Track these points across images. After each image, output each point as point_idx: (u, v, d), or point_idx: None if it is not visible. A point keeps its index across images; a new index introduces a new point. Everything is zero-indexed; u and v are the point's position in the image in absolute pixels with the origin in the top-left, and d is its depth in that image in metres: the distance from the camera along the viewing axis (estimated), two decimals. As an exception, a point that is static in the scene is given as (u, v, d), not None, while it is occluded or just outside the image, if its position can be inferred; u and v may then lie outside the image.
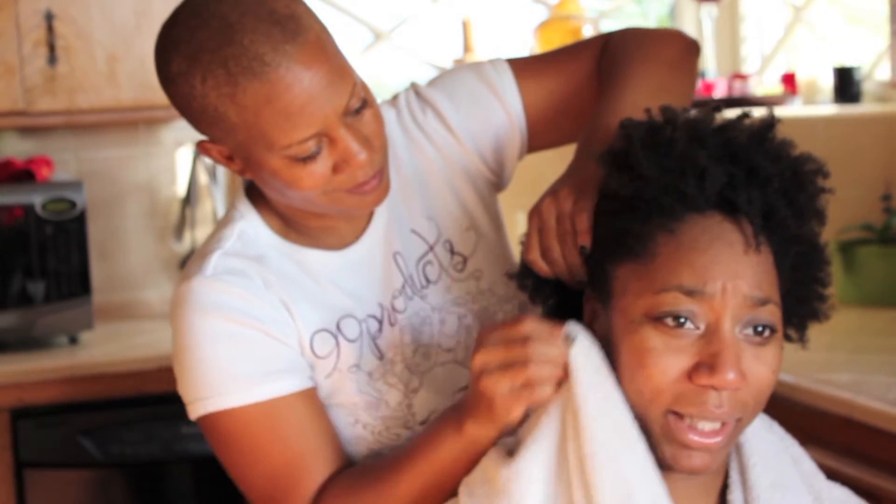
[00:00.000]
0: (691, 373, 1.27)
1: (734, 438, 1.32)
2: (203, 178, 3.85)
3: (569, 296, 1.41)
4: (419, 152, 1.66)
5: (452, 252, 1.65)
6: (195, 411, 1.52)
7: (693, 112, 1.36)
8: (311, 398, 1.53)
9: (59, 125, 3.68)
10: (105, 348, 3.42)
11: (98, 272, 3.75)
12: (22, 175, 3.51)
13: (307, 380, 1.54)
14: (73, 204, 3.44)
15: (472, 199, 1.68)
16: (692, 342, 1.27)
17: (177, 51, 1.43)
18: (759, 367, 1.28)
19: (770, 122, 1.34)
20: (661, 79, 1.58)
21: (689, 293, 1.27)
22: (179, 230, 3.83)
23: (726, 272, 1.27)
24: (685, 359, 1.27)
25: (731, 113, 1.39)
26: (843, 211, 3.53)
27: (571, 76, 1.68)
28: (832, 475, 2.51)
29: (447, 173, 1.66)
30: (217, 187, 3.83)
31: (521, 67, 1.68)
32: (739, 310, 1.27)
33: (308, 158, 1.44)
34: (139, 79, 3.51)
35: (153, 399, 3.27)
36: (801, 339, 1.40)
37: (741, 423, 1.31)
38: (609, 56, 1.66)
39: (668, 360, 1.27)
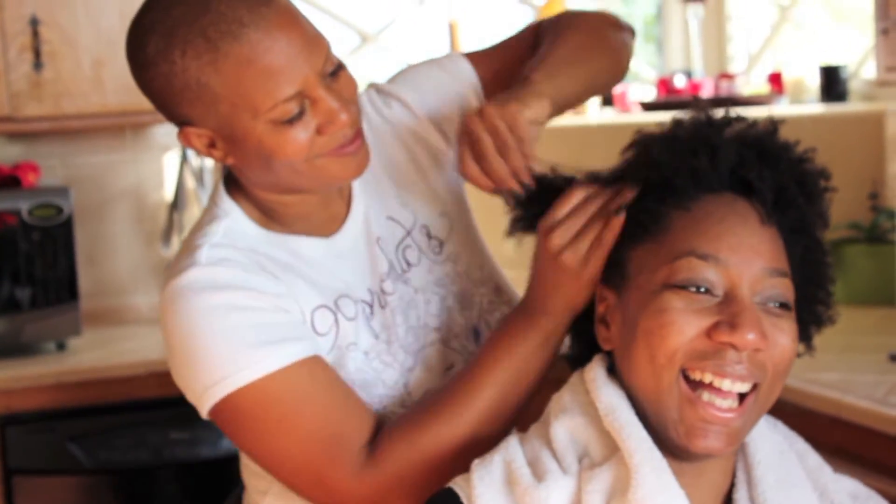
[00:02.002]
0: (710, 331, 1.27)
1: (750, 421, 1.31)
2: (190, 182, 3.84)
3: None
4: (387, 144, 1.69)
5: (430, 236, 1.68)
6: (213, 397, 1.48)
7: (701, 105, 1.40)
8: (325, 362, 1.53)
9: (45, 130, 3.67)
10: (93, 354, 3.41)
11: (86, 278, 3.75)
12: (8, 181, 3.50)
13: (318, 347, 1.53)
14: (60, 209, 3.43)
15: (441, 184, 1.71)
16: (712, 306, 1.28)
17: (153, 32, 1.46)
18: (779, 334, 1.29)
19: (773, 126, 1.38)
20: (581, 40, 1.70)
21: (704, 258, 1.28)
22: (167, 235, 3.82)
23: (741, 243, 1.29)
24: (704, 318, 1.28)
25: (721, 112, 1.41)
26: (830, 210, 3.52)
27: (516, 51, 1.77)
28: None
29: (415, 161, 1.70)
30: (204, 192, 3.82)
31: (473, 54, 1.79)
32: (756, 279, 1.29)
33: (292, 120, 1.46)
34: (125, 83, 3.47)
35: (142, 405, 3.26)
36: (809, 348, 1.40)
37: (759, 397, 1.30)
38: (542, 29, 1.77)
39: (688, 319, 1.28)
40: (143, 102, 3.70)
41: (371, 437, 1.49)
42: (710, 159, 1.32)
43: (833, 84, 3.80)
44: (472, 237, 1.74)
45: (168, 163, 3.92)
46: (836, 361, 2.80)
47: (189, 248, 1.56)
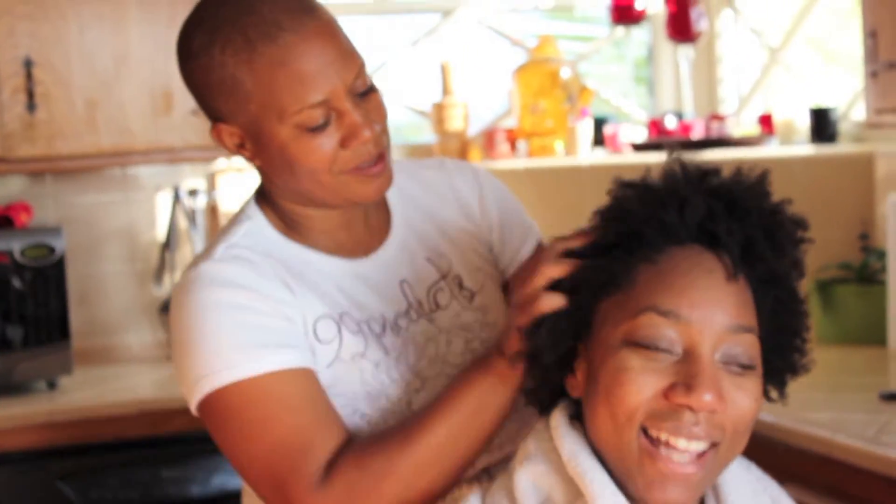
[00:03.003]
0: (668, 392, 1.26)
1: (712, 474, 1.31)
2: (182, 222, 3.85)
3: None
4: (444, 200, 1.75)
5: (461, 286, 1.70)
6: (200, 390, 1.51)
7: (675, 155, 1.39)
8: (314, 376, 1.55)
9: (38, 171, 3.68)
10: (84, 393, 3.40)
11: (77, 317, 3.74)
12: (1, 221, 3.51)
13: (311, 361, 1.55)
14: (52, 249, 3.43)
15: (483, 252, 1.74)
16: (669, 365, 1.27)
17: (200, 27, 1.54)
18: (739, 393, 1.28)
19: (762, 174, 1.36)
20: None
21: (665, 314, 1.27)
22: (159, 275, 3.82)
23: (705, 298, 1.28)
24: (662, 378, 1.27)
25: (711, 153, 1.41)
26: (821, 250, 3.52)
27: None
28: (812, 514, 2.52)
29: (464, 227, 1.74)
30: (197, 231, 3.83)
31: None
32: (718, 337, 1.27)
33: (316, 129, 1.52)
34: (118, 124, 3.51)
35: (133, 444, 3.25)
36: (781, 396, 1.40)
37: (718, 454, 1.29)
38: None
39: (645, 379, 1.27)
40: (136, 143, 3.75)
41: (334, 456, 1.50)
42: (679, 212, 1.30)
43: (823, 126, 3.82)
44: (502, 298, 1.75)
45: (160, 203, 3.93)
46: (827, 401, 2.80)
47: (208, 246, 1.62)
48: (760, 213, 1.32)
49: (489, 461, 1.65)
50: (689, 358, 1.27)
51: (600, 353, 1.31)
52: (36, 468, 3.17)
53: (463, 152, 4.11)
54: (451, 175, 1.77)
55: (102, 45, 3.51)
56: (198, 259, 1.60)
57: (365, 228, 1.67)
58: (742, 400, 1.28)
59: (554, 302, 1.38)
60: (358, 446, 1.50)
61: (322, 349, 1.57)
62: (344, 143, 1.53)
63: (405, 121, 4.40)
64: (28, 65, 3.43)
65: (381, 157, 1.57)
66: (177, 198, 3.82)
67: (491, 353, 1.48)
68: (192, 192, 3.85)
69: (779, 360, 1.36)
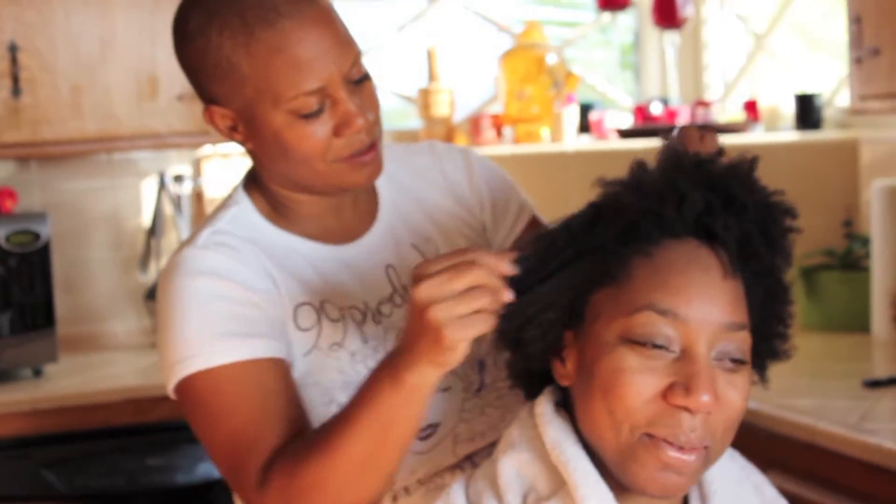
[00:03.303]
0: (666, 393, 1.26)
1: (702, 469, 1.32)
2: (168, 209, 3.85)
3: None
4: (435, 191, 1.75)
5: None
6: (177, 374, 1.53)
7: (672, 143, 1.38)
8: (286, 368, 1.56)
9: (23, 157, 3.67)
10: (70, 380, 3.40)
11: (63, 304, 3.74)
12: (-15, 207, 3.51)
13: (284, 351, 1.56)
14: (37, 236, 3.43)
15: (471, 240, 1.74)
16: (667, 364, 1.28)
17: (196, 9, 1.54)
18: (732, 392, 1.29)
19: (752, 161, 1.35)
20: None
21: (663, 313, 1.27)
22: (145, 261, 3.82)
23: (702, 296, 1.28)
24: (660, 379, 1.27)
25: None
26: (805, 237, 3.52)
27: None
28: (794, 500, 2.53)
29: (452, 210, 1.74)
30: (182, 218, 3.82)
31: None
32: (714, 334, 1.28)
33: (310, 116, 1.53)
34: (104, 109, 3.51)
35: (118, 431, 3.25)
36: (762, 380, 1.41)
37: (709, 454, 1.31)
38: None
39: (644, 379, 1.27)
40: (122, 129, 3.74)
41: (272, 457, 1.50)
42: (677, 206, 1.30)
43: (808, 112, 3.83)
44: None
45: (146, 189, 3.92)
46: (810, 387, 2.82)
47: (195, 231, 1.63)
48: (757, 207, 1.32)
49: (472, 449, 1.66)
50: (686, 357, 1.27)
51: (595, 348, 1.31)
52: (21, 456, 3.17)
53: (449, 138, 4.11)
54: (440, 159, 1.78)
55: (88, 30, 3.50)
56: (183, 244, 1.61)
57: (353, 213, 1.68)
58: (734, 397, 1.29)
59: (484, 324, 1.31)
60: (290, 452, 1.48)
61: (300, 337, 1.58)
62: (337, 131, 1.54)
63: (391, 106, 4.40)
64: (13, 50, 3.42)
65: (373, 145, 1.58)
66: (162, 184, 3.82)
67: (399, 365, 1.37)
68: (178, 178, 3.84)
69: (764, 348, 1.37)
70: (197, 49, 1.55)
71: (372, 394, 1.41)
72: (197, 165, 3.95)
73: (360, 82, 1.57)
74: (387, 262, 1.67)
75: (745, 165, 1.35)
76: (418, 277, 1.31)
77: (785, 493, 2.50)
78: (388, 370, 1.39)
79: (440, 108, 4.13)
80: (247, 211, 1.64)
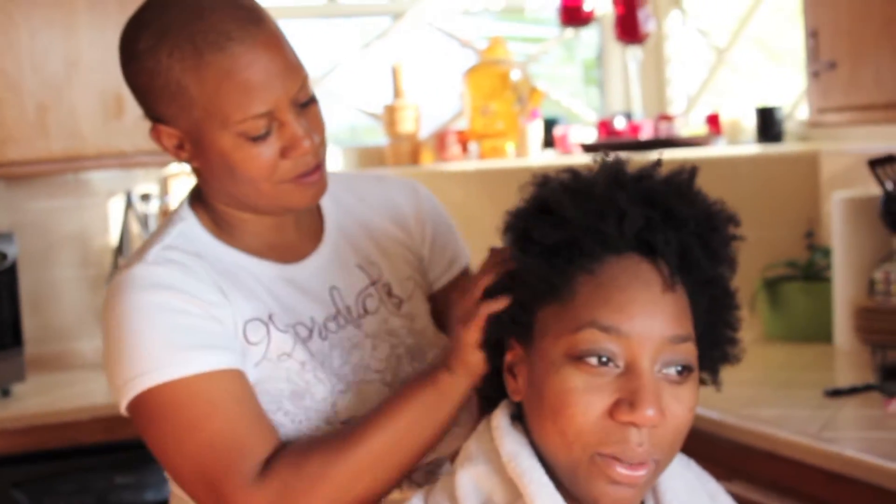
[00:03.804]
0: (612, 410, 1.29)
1: (653, 479, 1.35)
2: (135, 227, 3.85)
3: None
4: (379, 216, 1.77)
5: (390, 294, 1.73)
6: (132, 390, 1.52)
7: (612, 157, 1.40)
8: (244, 378, 1.57)
9: (-11, 177, 3.68)
10: (37, 400, 3.40)
11: (30, 323, 3.74)
12: (-48, 228, 3.51)
13: (241, 362, 1.57)
14: (4, 255, 3.43)
15: (412, 266, 1.77)
16: (612, 380, 1.29)
17: (147, 28, 1.55)
18: (677, 405, 1.31)
19: (691, 173, 1.38)
20: None
21: (606, 330, 1.29)
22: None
23: (644, 311, 1.30)
24: (606, 397, 1.29)
25: (657, 154, 1.43)
26: (767, 248, 3.59)
27: None
28: (757, 509, 2.56)
29: (397, 237, 1.77)
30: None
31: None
32: (658, 348, 1.30)
33: (258, 138, 1.54)
34: (69, 129, 3.51)
35: (87, 450, 3.25)
36: (715, 382, 1.43)
37: (659, 466, 1.33)
38: None
39: (590, 400, 1.29)
40: (88, 148, 3.72)
41: (270, 457, 1.51)
42: (618, 223, 1.32)
43: (769, 125, 3.88)
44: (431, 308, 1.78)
45: (113, 208, 3.93)
46: (772, 397, 2.85)
47: (140, 249, 1.63)
48: (696, 219, 1.34)
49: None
50: (630, 372, 1.29)
51: (542, 366, 1.33)
52: (-11, 475, 3.17)
53: (415, 154, 4.13)
54: (388, 188, 1.81)
55: (53, 50, 3.51)
56: (130, 261, 1.61)
57: (296, 232, 1.70)
58: (679, 411, 1.31)
59: (493, 305, 1.41)
60: (297, 448, 1.51)
61: (251, 350, 1.59)
62: (284, 153, 1.56)
63: (357, 123, 4.42)
64: (-22, 70, 3.43)
65: (318, 166, 1.60)
66: (129, 203, 3.82)
67: (437, 368, 1.50)
68: (145, 197, 3.85)
69: (714, 352, 1.39)
70: (146, 70, 1.55)
71: (404, 394, 1.51)
72: (164, 184, 3.96)
73: (307, 105, 1.59)
74: (331, 284, 1.69)
75: (683, 177, 1.37)
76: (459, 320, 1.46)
77: (748, 501, 2.54)
78: (426, 373, 1.51)
79: (406, 125, 4.15)
80: (193, 227, 1.65)
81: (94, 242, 3.92)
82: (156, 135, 1.60)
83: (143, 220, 3.83)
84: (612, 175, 1.36)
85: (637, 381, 1.29)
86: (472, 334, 1.44)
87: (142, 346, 1.52)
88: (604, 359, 1.29)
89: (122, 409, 1.56)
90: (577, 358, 1.30)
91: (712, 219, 1.36)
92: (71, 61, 3.52)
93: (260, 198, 1.60)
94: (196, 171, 1.64)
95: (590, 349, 1.29)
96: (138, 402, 1.53)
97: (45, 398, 3.41)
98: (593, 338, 1.30)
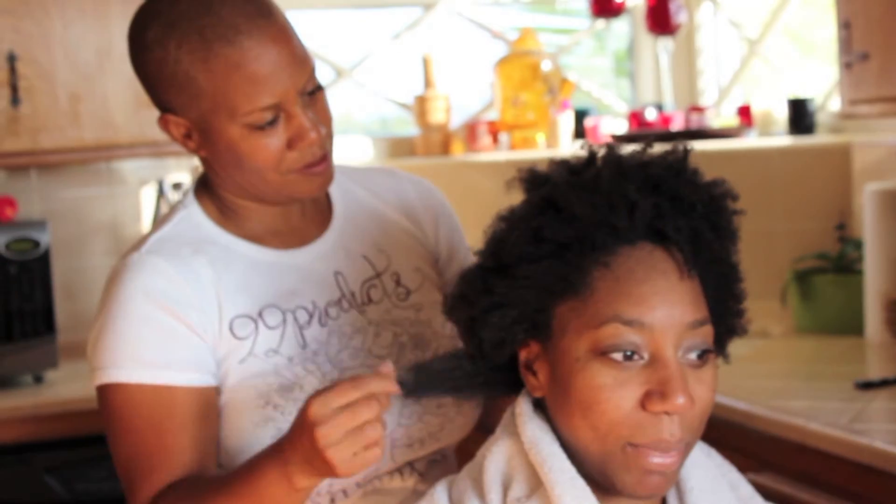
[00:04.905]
0: (644, 401, 1.30)
1: (682, 463, 1.36)
2: (167, 216, 3.87)
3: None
4: (389, 208, 1.78)
5: (398, 283, 1.74)
6: (98, 378, 1.60)
7: (611, 147, 1.40)
8: (205, 398, 1.60)
9: (22, 165, 3.70)
10: (70, 387, 3.42)
11: (63, 311, 3.76)
12: (-14, 215, 3.53)
13: (209, 378, 1.61)
14: (37, 243, 3.45)
15: (422, 258, 1.78)
16: (638, 372, 1.31)
17: (156, 20, 1.57)
18: (701, 388, 1.33)
19: (684, 154, 1.39)
20: None
21: (629, 323, 1.30)
22: (144, 268, 3.84)
23: (664, 301, 1.31)
24: (635, 389, 1.30)
25: (696, 145, 1.44)
26: (798, 240, 3.58)
27: None
28: (787, 501, 2.56)
29: (407, 230, 1.78)
30: (181, 225, 3.85)
31: None
32: (679, 335, 1.31)
33: (265, 127, 1.56)
34: (102, 118, 3.54)
35: (118, 436, 3.27)
36: (724, 356, 1.44)
37: (688, 448, 1.35)
38: None
39: (621, 394, 1.30)
40: (120, 137, 3.75)
41: (166, 488, 1.56)
42: (629, 215, 1.33)
43: (800, 117, 3.86)
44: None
45: (145, 197, 3.95)
46: (802, 389, 2.84)
47: (143, 236, 1.67)
48: (703, 203, 1.36)
49: (412, 456, 1.68)
50: (655, 362, 1.31)
51: (567, 364, 1.33)
52: (22, 461, 3.20)
53: (445, 145, 4.14)
54: (400, 182, 1.82)
55: (85, 39, 3.53)
56: (131, 248, 1.65)
57: (301, 218, 1.71)
58: (704, 393, 1.33)
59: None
60: (177, 490, 1.55)
61: (236, 345, 1.62)
62: (291, 144, 1.58)
63: (387, 114, 4.43)
64: (12, 59, 3.45)
65: (325, 157, 1.62)
66: (161, 191, 3.84)
67: (293, 470, 1.43)
68: (176, 186, 3.87)
69: (722, 326, 1.41)
70: (155, 60, 1.57)
71: (258, 481, 1.47)
72: (195, 173, 3.98)
73: (314, 95, 1.60)
74: (335, 269, 1.70)
75: (679, 157, 1.38)
76: (315, 419, 1.37)
77: (777, 493, 2.54)
78: (278, 466, 1.45)
79: (437, 115, 4.16)
80: (195, 214, 1.67)
81: (126, 231, 3.94)
82: (164, 124, 1.62)
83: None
84: (615, 165, 1.37)
85: (664, 370, 1.30)
86: (356, 467, 1.39)
87: (115, 343, 1.58)
88: (629, 352, 1.30)
89: (94, 388, 1.63)
90: (602, 353, 1.31)
91: (717, 199, 1.38)
92: (103, 51, 3.54)
93: (267, 187, 1.62)
94: (203, 160, 1.66)
95: (615, 344, 1.30)
96: (102, 389, 1.60)
97: (77, 385, 3.43)
98: (617, 332, 1.30)
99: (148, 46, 1.57)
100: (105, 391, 1.59)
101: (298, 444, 1.41)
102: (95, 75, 3.54)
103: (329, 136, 1.63)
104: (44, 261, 3.46)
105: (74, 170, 3.88)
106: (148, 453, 1.56)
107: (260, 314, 1.63)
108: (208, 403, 1.60)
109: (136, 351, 1.57)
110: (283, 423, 1.59)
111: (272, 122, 1.56)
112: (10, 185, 3.81)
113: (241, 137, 1.57)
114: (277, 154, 1.58)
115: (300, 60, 1.58)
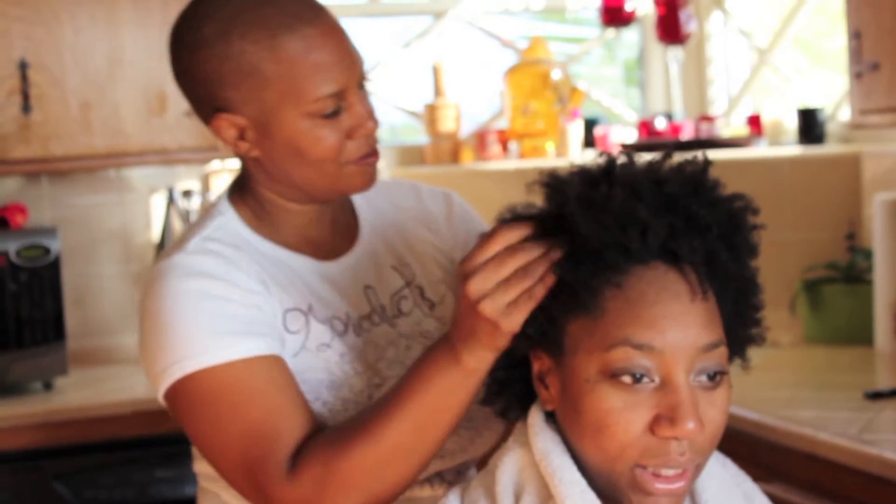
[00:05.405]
0: (653, 426, 1.29)
1: (693, 482, 1.35)
2: (177, 223, 3.88)
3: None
4: (411, 220, 1.79)
5: (423, 296, 1.74)
6: (170, 377, 1.52)
7: (626, 158, 1.37)
8: (284, 364, 1.56)
9: (33, 172, 3.71)
10: (79, 394, 3.43)
11: (72, 318, 3.77)
12: (-4, 222, 3.54)
13: (280, 349, 1.57)
14: (47, 250, 3.46)
15: (444, 269, 1.78)
16: (649, 395, 1.29)
17: (210, 17, 1.58)
18: (713, 410, 1.31)
19: (703, 167, 1.36)
20: None
21: (639, 347, 1.28)
22: (153, 275, 3.84)
23: (675, 324, 1.29)
24: (645, 413, 1.29)
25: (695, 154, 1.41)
26: (808, 250, 3.58)
27: None
28: (796, 511, 2.55)
29: (431, 243, 1.78)
30: (191, 232, 3.85)
31: None
32: (692, 359, 1.29)
33: (328, 116, 1.58)
34: (112, 125, 3.54)
35: (128, 444, 3.28)
36: (744, 361, 1.43)
37: (699, 468, 1.34)
38: None
39: (630, 418, 1.29)
40: (130, 144, 3.76)
41: (304, 444, 1.50)
42: (641, 236, 1.29)
43: (811, 126, 3.86)
44: None
45: (155, 204, 3.96)
46: (812, 399, 2.84)
47: (180, 240, 1.64)
48: (719, 223, 1.33)
49: (442, 467, 1.67)
50: (666, 385, 1.29)
51: (577, 383, 1.32)
52: (31, 468, 3.20)
53: (455, 153, 4.14)
54: (420, 194, 1.82)
55: (96, 47, 3.54)
56: (170, 250, 1.61)
57: (332, 229, 1.71)
58: (715, 416, 1.31)
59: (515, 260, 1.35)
60: (323, 440, 1.49)
61: (290, 339, 1.60)
62: (350, 133, 1.60)
63: (397, 122, 4.44)
64: (23, 67, 3.46)
65: (377, 150, 1.65)
66: (171, 199, 3.85)
67: (454, 350, 1.42)
68: (187, 194, 3.88)
69: (741, 336, 1.39)
70: (214, 56, 1.57)
71: (426, 377, 1.45)
72: (205, 180, 3.99)
73: (363, 90, 1.64)
74: (366, 283, 1.70)
75: (697, 170, 1.34)
76: (465, 274, 1.36)
77: (787, 503, 2.54)
78: (442, 355, 1.44)
79: (446, 124, 4.16)
80: (232, 221, 1.66)
81: (136, 238, 3.95)
82: (216, 125, 1.61)
83: (185, 217, 3.86)
84: (628, 183, 1.32)
85: (674, 395, 1.28)
86: (512, 323, 1.36)
87: (182, 333, 1.53)
88: (638, 375, 1.29)
89: (160, 396, 1.56)
90: (612, 376, 1.29)
91: (734, 218, 1.35)
92: (114, 58, 3.55)
93: (323, 181, 1.62)
94: (252, 161, 1.64)
95: (624, 367, 1.29)
96: (177, 389, 1.53)
97: (86, 392, 3.45)
98: (627, 356, 1.29)
99: (207, 43, 1.58)
100: (187, 383, 1.52)
101: (460, 320, 1.40)
102: (106, 83, 3.55)
103: (377, 128, 1.65)
104: (54, 268, 3.47)
105: (85, 177, 3.89)
106: (265, 420, 1.50)
107: (309, 309, 1.63)
108: (289, 369, 1.57)
109: (211, 329, 1.52)
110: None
111: (335, 113, 1.59)
112: (20, 192, 3.82)
113: (304, 128, 1.58)
114: (338, 144, 1.59)
115: (355, 53, 1.62)
